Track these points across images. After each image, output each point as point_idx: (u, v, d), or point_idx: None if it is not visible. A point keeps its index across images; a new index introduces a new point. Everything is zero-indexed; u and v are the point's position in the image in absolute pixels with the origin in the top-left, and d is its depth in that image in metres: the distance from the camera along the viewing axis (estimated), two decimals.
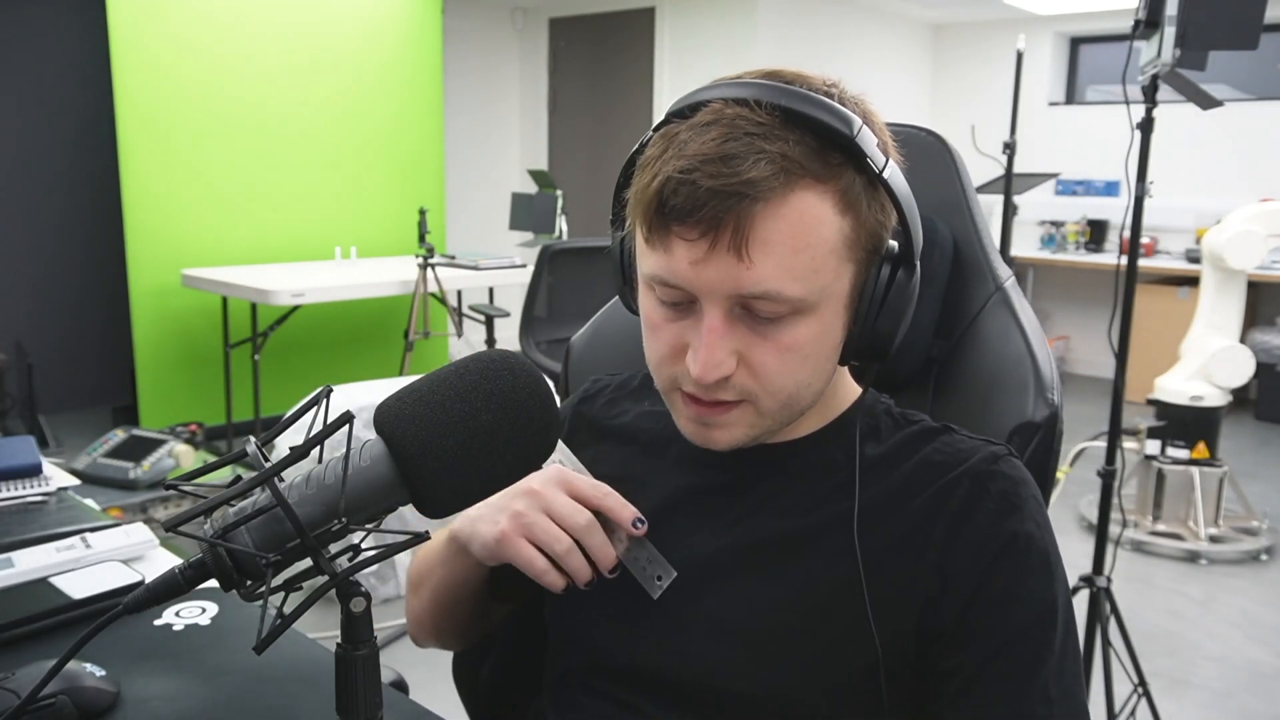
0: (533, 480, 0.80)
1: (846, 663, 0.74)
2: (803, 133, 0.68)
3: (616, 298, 1.17)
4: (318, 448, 0.57)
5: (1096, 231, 6.17)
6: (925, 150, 1.02)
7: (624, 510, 0.79)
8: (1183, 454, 3.51)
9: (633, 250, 0.80)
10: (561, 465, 0.84)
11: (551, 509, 0.78)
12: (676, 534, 0.81)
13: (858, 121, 0.69)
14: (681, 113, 0.72)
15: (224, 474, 1.95)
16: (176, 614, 0.96)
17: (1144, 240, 5.46)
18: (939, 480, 0.76)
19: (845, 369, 0.83)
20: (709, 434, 0.77)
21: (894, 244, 0.74)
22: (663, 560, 0.79)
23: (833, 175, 0.69)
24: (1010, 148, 4.10)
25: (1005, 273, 0.97)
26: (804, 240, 0.69)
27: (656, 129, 0.74)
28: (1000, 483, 0.75)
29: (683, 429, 0.79)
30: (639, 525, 0.78)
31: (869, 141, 0.69)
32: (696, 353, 0.71)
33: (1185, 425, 3.53)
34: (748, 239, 0.67)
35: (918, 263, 0.74)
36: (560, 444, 0.89)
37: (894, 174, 0.72)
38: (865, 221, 0.72)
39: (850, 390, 0.84)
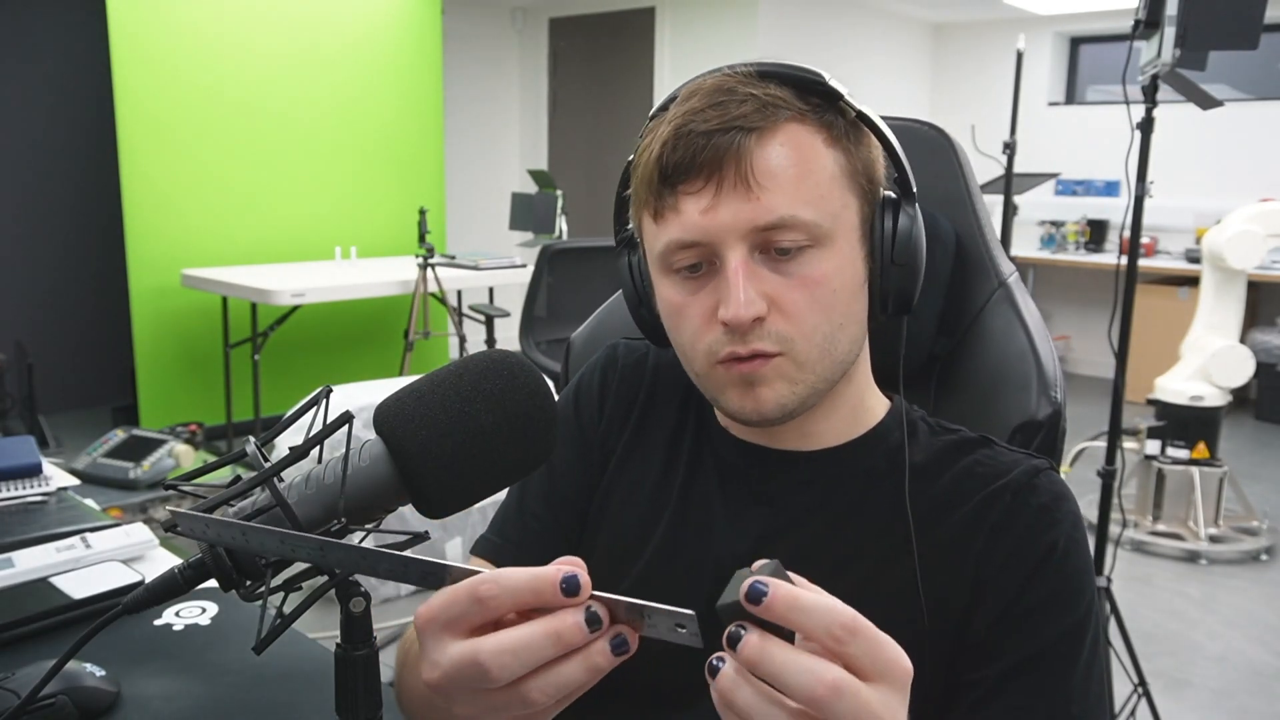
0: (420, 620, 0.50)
1: None
2: (779, 83, 0.73)
3: (617, 294, 1.17)
4: (317, 448, 0.56)
5: (1096, 231, 6.17)
6: (928, 144, 1.01)
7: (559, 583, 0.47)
8: (1183, 454, 3.51)
9: (641, 262, 0.81)
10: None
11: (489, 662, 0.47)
12: (716, 547, 0.80)
13: (827, 74, 0.73)
14: (663, 106, 0.76)
15: (224, 474, 1.94)
16: (176, 614, 0.96)
17: (1144, 240, 5.46)
18: (980, 493, 0.76)
19: (874, 385, 0.83)
20: (757, 394, 0.73)
21: (889, 194, 0.77)
22: (663, 607, 0.47)
23: (814, 112, 0.73)
24: (1010, 148, 4.10)
25: (1008, 269, 0.96)
26: (803, 167, 0.71)
27: (641, 135, 0.77)
28: (1040, 497, 0.75)
29: (728, 405, 0.76)
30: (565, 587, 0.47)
31: (842, 89, 0.73)
32: (727, 298, 0.70)
33: (1185, 425, 3.53)
34: (751, 169, 0.69)
35: (914, 191, 0.77)
36: None
37: (873, 116, 0.75)
38: (857, 155, 0.75)
39: (882, 401, 0.84)
